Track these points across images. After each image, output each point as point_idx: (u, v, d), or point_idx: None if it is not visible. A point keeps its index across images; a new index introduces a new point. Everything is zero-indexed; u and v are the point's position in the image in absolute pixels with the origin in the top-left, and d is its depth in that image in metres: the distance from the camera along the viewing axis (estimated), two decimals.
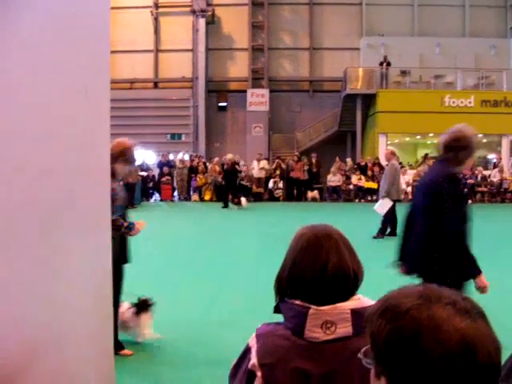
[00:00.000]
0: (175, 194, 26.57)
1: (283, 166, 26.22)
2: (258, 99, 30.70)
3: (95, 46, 2.49)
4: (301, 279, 1.82)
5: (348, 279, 1.80)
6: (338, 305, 1.75)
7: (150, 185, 26.10)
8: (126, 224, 4.80)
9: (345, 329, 1.73)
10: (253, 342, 1.84)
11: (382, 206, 13.07)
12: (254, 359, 1.77)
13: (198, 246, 12.05)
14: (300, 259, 1.84)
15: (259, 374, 1.74)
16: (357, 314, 1.74)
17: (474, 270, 4.02)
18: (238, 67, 31.87)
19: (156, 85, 32.33)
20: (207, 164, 26.59)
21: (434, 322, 1.04)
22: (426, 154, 27.63)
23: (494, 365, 1.04)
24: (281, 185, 25.75)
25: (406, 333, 1.06)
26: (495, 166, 26.27)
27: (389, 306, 1.12)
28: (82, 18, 2.31)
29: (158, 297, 7.49)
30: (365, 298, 1.82)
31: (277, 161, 26.84)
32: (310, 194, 25.54)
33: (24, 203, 1.91)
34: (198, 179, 25.53)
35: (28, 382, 1.97)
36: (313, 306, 1.74)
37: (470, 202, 24.15)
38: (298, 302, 1.79)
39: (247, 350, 1.85)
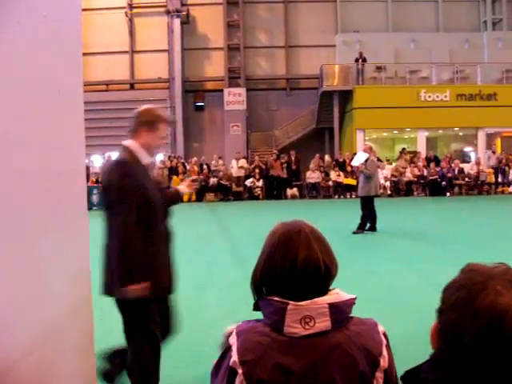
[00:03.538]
0: None
1: (261, 165, 26.22)
2: (235, 98, 30.72)
3: (67, 48, 2.48)
4: (272, 275, 1.83)
5: (319, 273, 1.80)
6: (316, 299, 1.76)
7: None
8: None
9: (324, 323, 1.74)
10: (233, 340, 1.84)
11: (358, 158, 13.71)
12: (234, 357, 1.78)
13: (176, 247, 11.99)
14: (271, 255, 1.85)
15: (240, 371, 1.75)
16: (335, 308, 1.75)
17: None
18: (215, 67, 31.84)
19: (132, 86, 32.18)
20: (186, 164, 26.54)
21: None
22: (404, 149, 27.86)
23: None
24: (260, 183, 25.74)
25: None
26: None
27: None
28: (53, 20, 2.31)
29: None
30: (342, 292, 1.83)
31: (256, 158, 26.86)
32: (289, 192, 25.59)
33: None
34: (173, 181, 25.40)
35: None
36: (291, 302, 1.75)
37: (448, 194, 24.47)
38: (276, 298, 1.79)
39: (228, 348, 1.85)
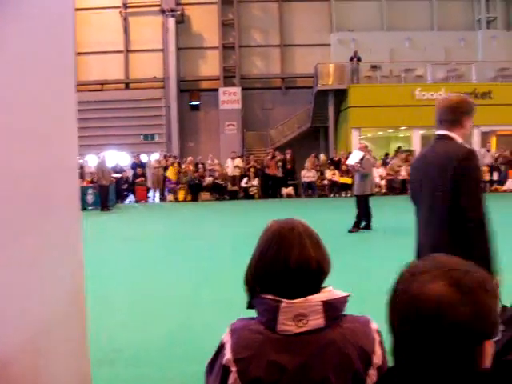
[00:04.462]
0: (150, 194, 26.48)
1: (257, 165, 26.22)
2: (231, 97, 30.71)
3: (59, 46, 2.48)
4: (265, 273, 1.82)
5: (311, 271, 1.80)
6: (310, 297, 1.75)
7: (125, 186, 25.96)
8: None
9: (317, 321, 1.74)
10: (227, 338, 1.84)
11: (353, 157, 13.78)
12: (228, 354, 1.77)
13: (174, 247, 12.02)
14: (264, 253, 1.85)
15: (234, 369, 1.74)
16: (328, 305, 1.75)
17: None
18: (210, 66, 31.81)
19: (127, 86, 32.14)
20: (181, 164, 26.56)
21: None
22: (399, 147, 27.88)
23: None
24: (255, 182, 25.74)
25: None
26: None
27: None
28: (45, 18, 2.30)
29: (136, 299, 7.48)
30: (336, 290, 1.83)
31: (251, 158, 26.87)
32: (285, 191, 25.61)
33: None
34: (168, 172, 25.41)
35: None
36: (284, 300, 1.75)
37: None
38: (269, 296, 1.79)
39: (221, 346, 1.84)
